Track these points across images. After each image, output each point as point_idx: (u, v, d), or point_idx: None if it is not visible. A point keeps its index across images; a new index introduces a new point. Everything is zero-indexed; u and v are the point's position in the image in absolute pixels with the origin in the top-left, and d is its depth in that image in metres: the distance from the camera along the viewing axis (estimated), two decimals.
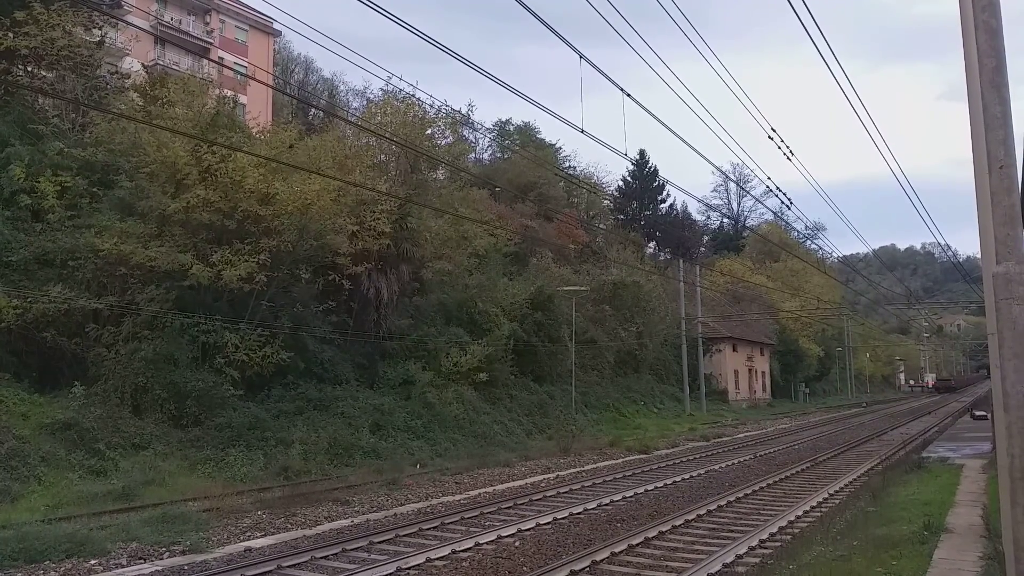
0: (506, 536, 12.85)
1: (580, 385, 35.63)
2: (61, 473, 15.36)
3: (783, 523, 13.93)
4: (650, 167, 75.27)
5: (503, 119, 69.98)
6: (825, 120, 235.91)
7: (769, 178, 18.40)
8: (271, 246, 20.24)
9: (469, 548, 11.90)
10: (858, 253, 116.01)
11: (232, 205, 20.11)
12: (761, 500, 16.91)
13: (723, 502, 16.14)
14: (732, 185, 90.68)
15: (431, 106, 31.57)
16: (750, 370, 63.94)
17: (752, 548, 11.92)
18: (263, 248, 19.98)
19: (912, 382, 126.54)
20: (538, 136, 68.87)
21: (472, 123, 44.96)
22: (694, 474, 21.28)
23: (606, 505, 16.18)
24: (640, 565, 10.91)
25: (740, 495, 17.18)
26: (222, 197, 19.84)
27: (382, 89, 35.07)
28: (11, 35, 21.46)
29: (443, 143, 33.99)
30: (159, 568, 10.77)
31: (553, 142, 70.61)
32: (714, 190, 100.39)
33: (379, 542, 12.29)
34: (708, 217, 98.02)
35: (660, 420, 40.42)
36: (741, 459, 25.24)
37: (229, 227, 20.16)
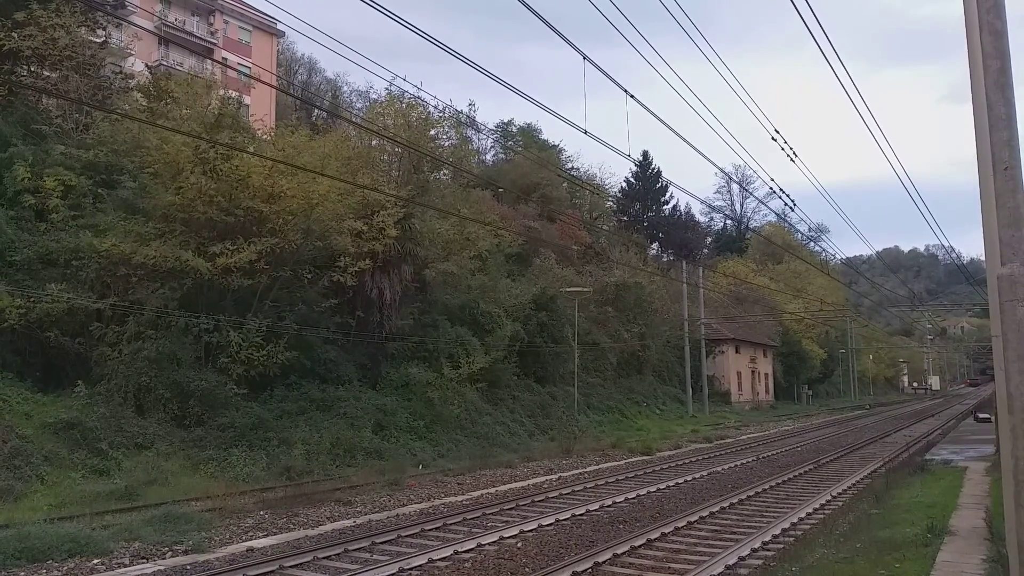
0: (508, 537, 12.84)
1: (583, 386, 35.62)
2: (64, 472, 15.39)
3: (786, 525, 13.90)
4: (653, 168, 75.31)
5: (505, 120, 70.14)
6: (828, 122, 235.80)
7: (772, 180, 18.32)
8: (273, 244, 20.26)
9: (471, 549, 11.89)
10: (861, 255, 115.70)
11: (234, 202, 20.11)
12: (764, 502, 16.88)
13: (726, 504, 16.11)
14: (735, 186, 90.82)
15: (435, 107, 31.61)
16: (753, 372, 63.87)
17: (755, 550, 11.89)
18: (266, 243, 19.98)
19: (915, 384, 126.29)
20: (541, 137, 69.00)
21: (475, 124, 44.99)
22: (697, 476, 21.25)
23: (608, 506, 16.16)
24: (642, 567, 10.90)
25: (743, 497, 17.15)
26: (220, 191, 19.83)
27: (386, 89, 35.12)
28: (15, 36, 21.51)
29: (447, 144, 34.02)
30: (161, 568, 10.78)
31: (556, 143, 70.78)
32: (717, 191, 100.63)
33: (381, 542, 12.29)
34: (711, 218, 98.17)
35: (663, 422, 40.40)
36: (744, 461, 25.21)
37: (231, 223, 20.17)
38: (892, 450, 28.34)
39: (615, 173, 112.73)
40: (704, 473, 21.87)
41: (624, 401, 40.42)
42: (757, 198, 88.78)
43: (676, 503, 16.61)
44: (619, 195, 75.66)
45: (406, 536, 12.84)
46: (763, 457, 26.42)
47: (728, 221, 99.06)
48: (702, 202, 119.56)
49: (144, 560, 11.19)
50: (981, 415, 38.69)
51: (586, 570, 10.56)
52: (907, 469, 20.44)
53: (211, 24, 48.10)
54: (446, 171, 35.53)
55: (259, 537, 12.86)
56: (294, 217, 21.07)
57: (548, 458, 25.00)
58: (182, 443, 18.22)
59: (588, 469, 22.88)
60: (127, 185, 21.58)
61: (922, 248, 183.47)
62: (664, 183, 74.69)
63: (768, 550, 12.03)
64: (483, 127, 52.25)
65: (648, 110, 13.20)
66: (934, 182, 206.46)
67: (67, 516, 12.90)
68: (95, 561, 10.96)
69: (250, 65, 40.03)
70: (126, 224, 19.63)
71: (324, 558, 11.26)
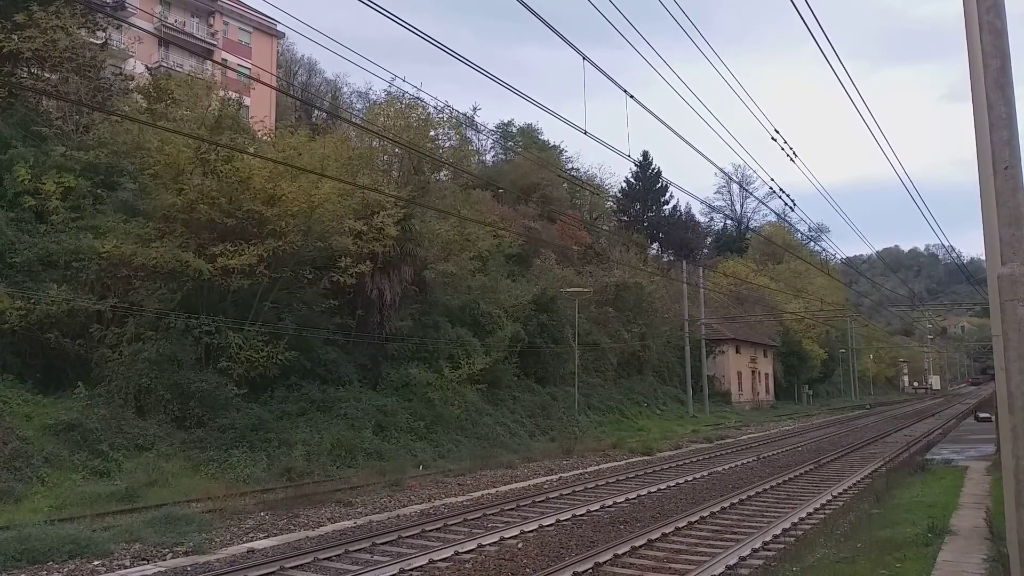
0: (509, 537, 12.84)
1: (583, 387, 35.62)
2: (64, 474, 15.38)
3: (787, 525, 13.90)
4: (653, 168, 75.28)
5: (505, 120, 70.11)
6: (828, 121, 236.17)
7: (772, 179, 18.33)
8: (275, 246, 20.26)
9: (472, 550, 11.89)
10: (861, 255, 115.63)
11: (235, 204, 20.12)
12: (765, 502, 16.87)
13: (726, 504, 16.11)
14: (735, 186, 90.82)
15: (435, 108, 31.62)
16: (753, 372, 63.85)
17: (755, 550, 11.89)
18: (267, 246, 19.99)
19: (916, 384, 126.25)
20: (541, 137, 68.96)
21: (475, 125, 45.01)
22: (697, 476, 21.25)
23: (609, 507, 16.16)
24: (643, 567, 10.90)
25: (743, 497, 17.15)
26: (222, 192, 19.83)
27: (385, 91, 35.11)
28: (15, 38, 21.51)
29: (447, 145, 34.03)
30: (162, 569, 10.78)
31: (556, 143, 70.76)
32: (717, 191, 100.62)
33: (382, 543, 12.29)
34: (711, 219, 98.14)
35: (663, 422, 40.39)
36: (744, 461, 25.20)
37: (231, 225, 20.18)
38: (892, 450, 28.33)
39: (615, 173, 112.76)
40: (704, 473, 21.86)
41: (624, 401, 40.41)
42: (757, 198, 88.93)
43: (677, 503, 16.61)
44: (619, 195, 75.64)
45: (407, 537, 12.84)
46: (763, 457, 26.41)
47: (728, 221, 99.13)
48: (702, 202, 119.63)
49: (145, 561, 11.19)
50: (981, 414, 38.67)
51: (587, 570, 10.56)
52: (908, 469, 20.42)
53: (211, 25, 48.10)
54: (446, 172, 35.54)
55: (260, 538, 12.87)
56: (295, 219, 21.08)
57: (548, 458, 25.00)
58: (182, 444, 18.22)
59: (588, 469, 22.88)
60: (127, 187, 21.58)
61: (922, 248, 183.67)
62: (664, 183, 74.70)
63: (769, 550, 12.02)
64: (483, 128, 52.31)
65: (648, 110, 13.21)
66: (934, 181, 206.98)
67: (67, 517, 12.90)
68: (96, 562, 10.96)
69: (250, 66, 40.06)
70: (126, 226, 19.63)
71: (325, 559, 11.26)
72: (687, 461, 25.15)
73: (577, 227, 53.75)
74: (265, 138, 27.33)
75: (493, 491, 18.51)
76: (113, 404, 17.84)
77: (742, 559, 11.28)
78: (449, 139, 34.51)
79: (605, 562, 11.00)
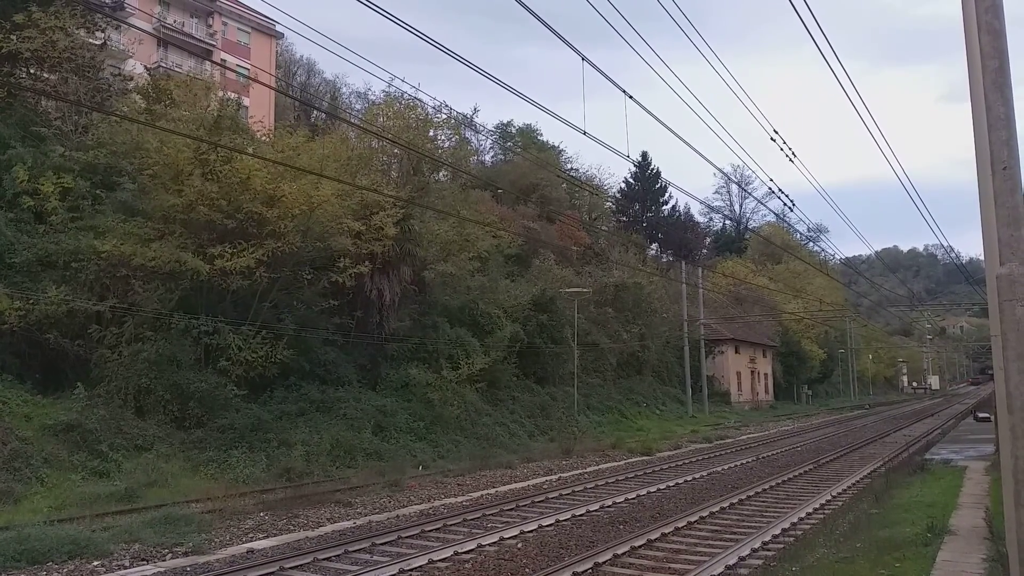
0: (508, 537, 12.85)
1: (582, 387, 35.63)
2: (64, 474, 15.38)
3: (786, 525, 13.91)
4: (652, 169, 75.27)
5: (504, 121, 70.15)
6: (827, 122, 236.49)
7: (771, 180, 18.34)
8: (274, 247, 20.25)
9: (471, 550, 11.89)
10: (860, 255, 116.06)
11: (234, 205, 20.11)
12: (764, 502, 16.88)
13: (726, 504, 16.11)
14: (734, 187, 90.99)
15: (434, 108, 31.65)
16: (752, 372, 63.86)
17: (755, 550, 11.89)
18: (266, 248, 19.97)
19: (915, 384, 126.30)
20: (540, 138, 68.94)
21: (475, 125, 45.03)
22: (696, 476, 21.25)
23: (608, 507, 16.17)
24: (643, 567, 10.90)
25: (743, 497, 17.15)
26: (222, 194, 19.83)
27: (384, 91, 35.16)
28: (14, 38, 21.51)
29: (447, 145, 34.05)
30: (162, 569, 10.78)
31: (555, 144, 70.76)
32: (716, 192, 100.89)
33: (381, 544, 12.29)
34: (710, 219, 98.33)
35: (662, 422, 40.39)
36: (744, 461, 25.21)
37: (230, 226, 20.17)
38: (892, 450, 28.34)
39: (614, 174, 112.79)
40: (704, 473, 21.87)
41: (624, 401, 40.42)
42: (756, 198, 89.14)
43: (676, 503, 16.62)
44: (618, 195, 75.66)
45: (406, 537, 12.85)
46: (763, 457, 26.42)
47: (727, 221, 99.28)
48: (701, 202, 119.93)
49: (144, 562, 11.19)
50: (981, 414, 38.69)
51: (586, 570, 10.56)
52: (907, 469, 20.43)
53: (210, 26, 48.11)
54: (445, 172, 35.56)
55: (259, 538, 12.87)
56: (294, 220, 21.08)
57: (548, 459, 25.00)
58: (182, 445, 18.22)
59: (588, 470, 22.88)
60: (126, 187, 21.56)
61: (921, 248, 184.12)
62: (663, 183, 74.68)
63: (768, 550, 12.03)
64: (482, 128, 52.34)
65: (647, 111, 13.22)
66: (933, 182, 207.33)
67: (67, 518, 12.90)
68: (95, 563, 10.96)
69: (249, 66, 40.04)
70: (125, 226, 19.62)
71: (324, 559, 11.26)
72: (686, 461, 25.16)
73: (576, 227, 53.74)
74: (264, 139, 27.33)
75: (492, 491, 18.51)
76: (112, 405, 17.83)
77: (741, 559, 11.28)
78: (448, 139, 34.57)
79: (604, 562, 11.00)
